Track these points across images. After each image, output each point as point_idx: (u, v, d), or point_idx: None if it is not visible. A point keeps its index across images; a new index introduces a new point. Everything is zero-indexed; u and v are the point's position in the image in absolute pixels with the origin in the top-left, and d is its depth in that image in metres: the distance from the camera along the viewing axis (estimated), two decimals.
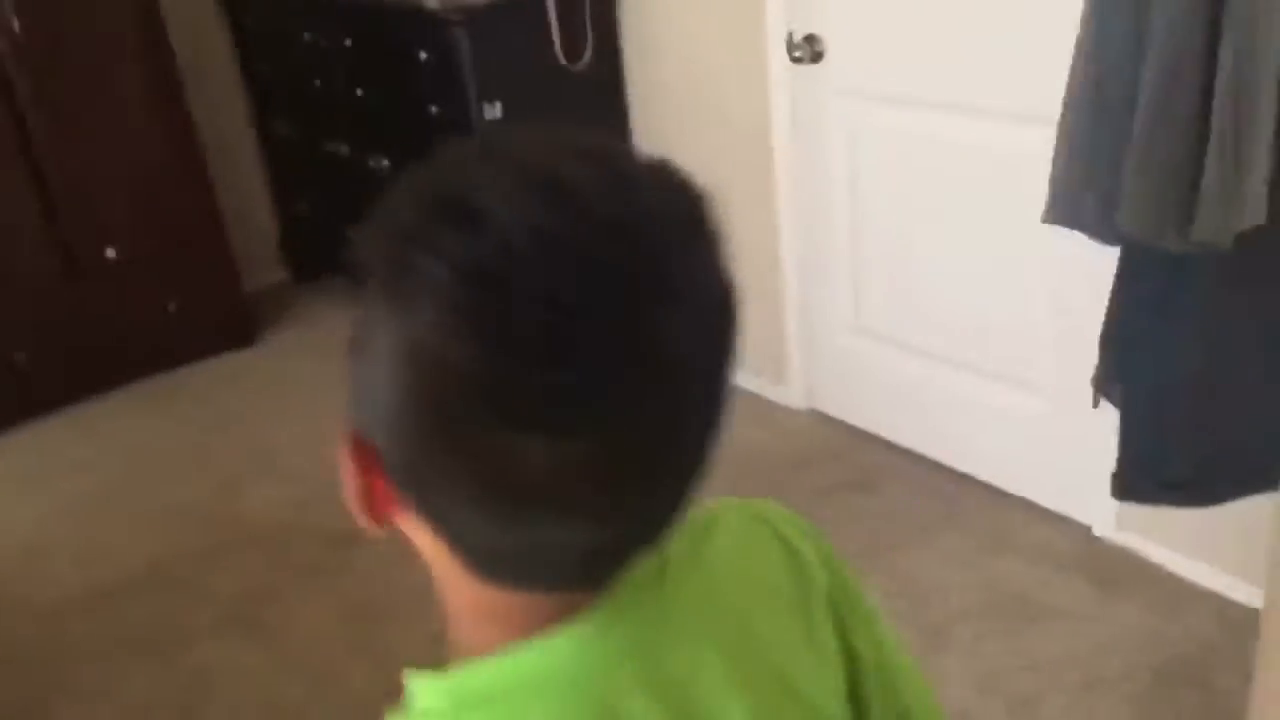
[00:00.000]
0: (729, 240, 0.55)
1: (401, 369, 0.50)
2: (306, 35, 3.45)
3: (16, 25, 3.15)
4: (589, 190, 0.50)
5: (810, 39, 2.54)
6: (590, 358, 0.48)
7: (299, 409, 3.24)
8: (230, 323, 3.74)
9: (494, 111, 2.87)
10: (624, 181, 0.52)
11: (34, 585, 2.70)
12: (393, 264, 0.50)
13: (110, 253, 3.47)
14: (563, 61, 2.91)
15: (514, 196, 0.49)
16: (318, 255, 4.08)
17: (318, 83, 3.51)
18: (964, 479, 2.66)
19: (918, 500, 2.65)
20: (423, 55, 2.93)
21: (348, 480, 0.56)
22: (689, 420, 0.54)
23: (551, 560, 0.55)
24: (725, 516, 0.71)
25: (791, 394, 3.04)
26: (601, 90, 3.06)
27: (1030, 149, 1.96)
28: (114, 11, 3.31)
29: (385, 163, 3.32)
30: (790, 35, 2.55)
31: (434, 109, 2.98)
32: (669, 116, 3.08)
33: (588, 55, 2.96)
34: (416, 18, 2.95)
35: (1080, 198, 1.51)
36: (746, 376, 3.15)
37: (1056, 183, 1.57)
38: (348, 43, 3.26)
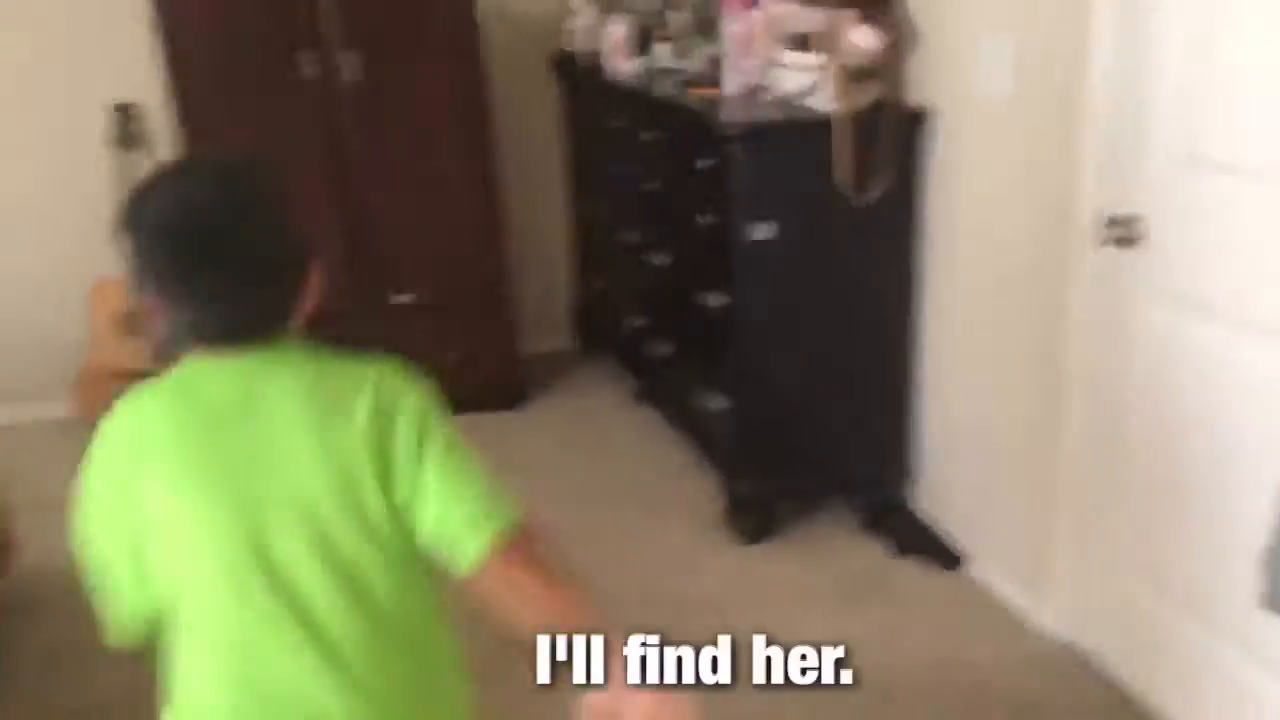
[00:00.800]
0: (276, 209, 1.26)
1: (127, 259, 1.22)
2: (614, 122, 3.39)
3: (359, 78, 3.35)
4: (191, 194, 1.22)
5: (1126, 221, 2.07)
6: (172, 264, 1.20)
7: (550, 471, 3.35)
8: (503, 383, 3.78)
9: (761, 232, 2.63)
10: (213, 187, 1.23)
11: None
12: (119, 224, 1.22)
13: (402, 298, 3.61)
14: (846, 193, 2.61)
15: (159, 200, 1.22)
16: (600, 331, 4.04)
17: (617, 169, 3.44)
18: None
19: None
20: (700, 164, 2.74)
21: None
22: (226, 286, 1.22)
23: (190, 325, 1.24)
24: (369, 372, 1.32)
25: (1047, 613, 2.53)
26: (884, 230, 2.71)
27: None
28: (447, 74, 3.43)
29: (666, 260, 3.18)
30: (1102, 214, 2.10)
31: (702, 219, 2.79)
32: (956, 276, 2.68)
33: (876, 190, 2.63)
34: (703, 125, 2.78)
35: None
36: (997, 575, 2.68)
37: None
38: (645, 137, 3.16)
